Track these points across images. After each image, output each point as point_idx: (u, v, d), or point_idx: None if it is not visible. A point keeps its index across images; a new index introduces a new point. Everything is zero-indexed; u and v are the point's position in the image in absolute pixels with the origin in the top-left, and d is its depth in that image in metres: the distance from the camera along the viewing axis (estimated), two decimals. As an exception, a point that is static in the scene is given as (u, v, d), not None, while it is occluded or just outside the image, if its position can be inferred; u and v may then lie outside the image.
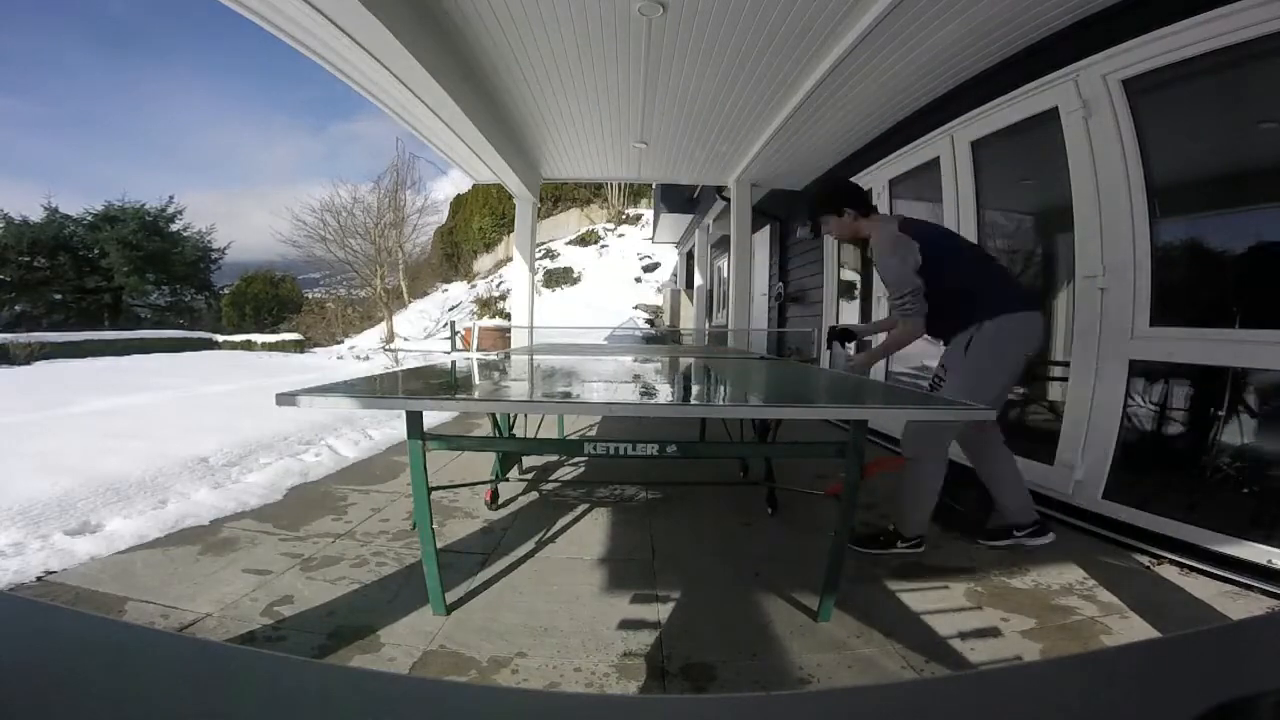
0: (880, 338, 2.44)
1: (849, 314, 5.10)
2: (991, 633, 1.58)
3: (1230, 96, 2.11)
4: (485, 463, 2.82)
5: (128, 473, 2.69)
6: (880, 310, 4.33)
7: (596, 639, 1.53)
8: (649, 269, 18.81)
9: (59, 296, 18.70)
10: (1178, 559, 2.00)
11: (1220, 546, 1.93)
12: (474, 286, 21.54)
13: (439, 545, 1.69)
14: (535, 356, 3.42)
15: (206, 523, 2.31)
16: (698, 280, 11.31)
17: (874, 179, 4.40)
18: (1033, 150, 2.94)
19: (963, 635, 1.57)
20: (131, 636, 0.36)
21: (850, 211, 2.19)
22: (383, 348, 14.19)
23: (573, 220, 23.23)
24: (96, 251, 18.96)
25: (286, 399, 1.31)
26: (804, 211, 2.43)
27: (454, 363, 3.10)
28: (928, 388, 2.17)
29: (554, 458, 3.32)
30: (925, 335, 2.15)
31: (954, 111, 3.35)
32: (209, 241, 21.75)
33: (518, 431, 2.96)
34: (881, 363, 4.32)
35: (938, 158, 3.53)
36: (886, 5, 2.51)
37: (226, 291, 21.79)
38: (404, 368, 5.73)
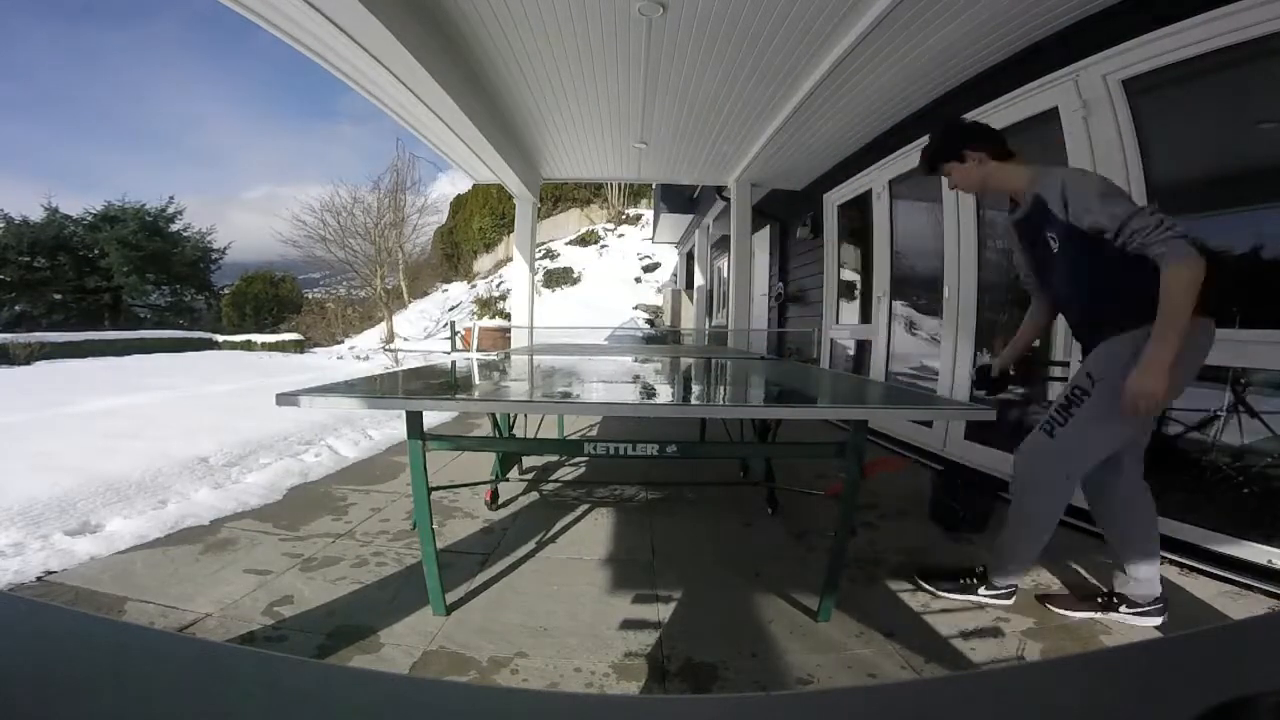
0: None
1: (849, 314, 5.10)
2: (991, 633, 1.59)
3: (1230, 96, 2.11)
4: (485, 463, 2.82)
5: (128, 473, 2.69)
6: (881, 310, 4.32)
7: (596, 639, 1.53)
8: (649, 269, 18.81)
9: (59, 296, 18.69)
10: (1178, 559, 2.00)
11: (1220, 546, 1.94)
12: (474, 286, 21.54)
13: (439, 545, 1.69)
14: (535, 356, 3.42)
15: (206, 523, 2.31)
16: (698, 280, 11.31)
17: (874, 179, 4.41)
18: (1033, 150, 2.94)
19: (963, 635, 1.57)
20: (131, 636, 0.36)
21: (976, 155, 1.65)
22: (383, 348, 14.20)
23: (573, 220, 23.23)
24: (96, 251, 18.96)
25: (287, 399, 1.31)
26: (923, 160, 1.78)
27: (454, 363, 3.10)
28: (1063, 401, 1.55)
29: (554, 458, 3.32)
30: (1067, 322, 1.68)
31: (954, 112, 3.34)
32: (209, 242, 21.77)
33: (518, 431, 2.96)
34: (882, 363, 4.32)
35: (938, 158, 3.53)
36: (886, 5, 2.51)
37: (226, 291, 21.78)
38: (404, 368, 5.73)
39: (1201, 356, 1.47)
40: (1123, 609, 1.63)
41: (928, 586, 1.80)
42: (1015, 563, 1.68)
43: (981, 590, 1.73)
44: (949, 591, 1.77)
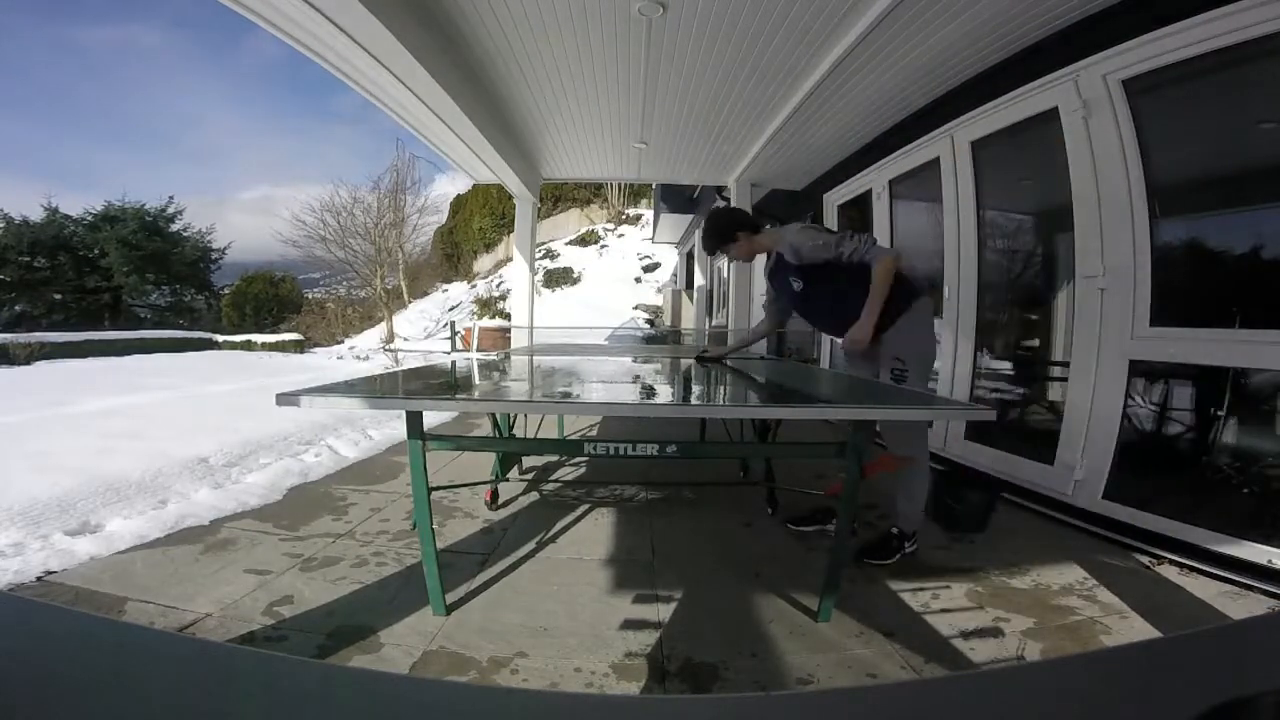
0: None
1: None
2: (991, 633, 1.59)
3: (1230, 96, 2.11)
4: (485, 463, 2.82)
5: (128, 473, 2.69)
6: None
7: (596, 639, 1.53)
8: (649, 269, 18.81)
9: (59, 296, 18.68)
10: (1178, 559, 2.00)
11: (1220, 546, 1.94)
12: (474, 286, 21.54)
13: (439, 545, 1.70)
14: (535, 356, 3.42)
15: (206, 523, 2.31)
16: (698, 280, 11.31)
17: (874, 179, 4.40)
18: (1033, 150, 2.94)
19: (963, 635, 1.57)
20: (131, 636, 0.36)
21: (743, 234, 2.32)
22: (383, 348, 14.19)
23: (573, 220, 23.24)
24: (96, 251, 18.95)
25: (287, 399, 1.31)
26: (707, 243, 2.49)
27: (454, 363, 3.10)
28: (891, 380, 2.02)
29: (554, 458, 3.32)
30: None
31: (954, 111, 3.35)
32: (209, 241, 21.77)
33: (518, 431, 2.96)
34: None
35: (938, 158, 3.54)
36: (886, 5, 2.51)
37: (226, 291, 21.78)
38: (404, 368, 5.73)
39: (930, 319, 2.08)
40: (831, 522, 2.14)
41: (875, 563, 2.02)
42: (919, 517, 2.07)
43: (908, 546, 2.05)
44: (887, 557, 2.02)
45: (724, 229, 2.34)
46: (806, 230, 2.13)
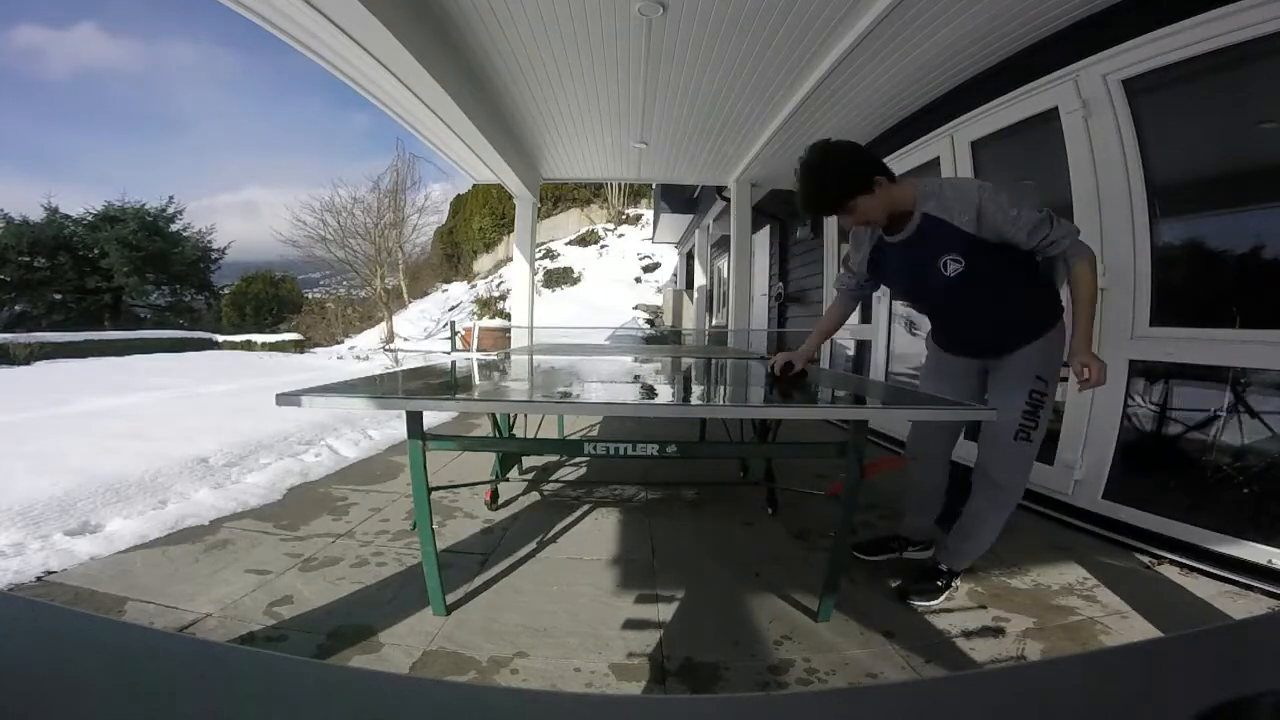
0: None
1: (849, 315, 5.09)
2: (991, 633, 1.59)
3: (1230, 96, 2.11)
4: (485, 463, 2.82)
5: (128, 473, 2.69)
6: (881, 310, 4.32)
7: (596, 639, 1.53)
8: (649, 269, 18.81)
9: (59, 296, 18.67)
10: (1178, 559, 2.00)
11: (1220, 546, 1.94)
12: (474, 286, 21.54)
13: (439, 546, 1.70)
14: (535, 356, 3.42)
15: (206, 523, 2.31)
16: (698, 280, 11.31)
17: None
18: (1033, 150, 2.94)
19: (963, 635, 1.57)
20: (131, 636, 0.36)
21: (882, 181, 1.57)
22: (383, 348, 14.19)
23: (573, 220, 23.24)
24: (96, 251, 18.94)
25: (287, 399, 1.31)
26: (807, 211, 1.71)
27: (454, 363, 3.10)
28: (1029, 407, 1.61)
29: (554, 458, 3.32)
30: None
31: (954, 111, 3.35)
32: (209, 241, 21.76)
33: (518, 431, 2.96)
34: (882, 363, 4.32)
35: (938, 158, 3.54)
36: (887, 5, 2.51)
37: (226, 291, 21.79)
38: (404, 368, 5.73)
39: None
40: (908, 550, 1.97)
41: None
42: (979, 550, 1.78)
43: (956, 584, 1.82)
44: (931, 598, 1.75)
45: (851, 174, 1.56)
46: (1003, 194, 1.51)
